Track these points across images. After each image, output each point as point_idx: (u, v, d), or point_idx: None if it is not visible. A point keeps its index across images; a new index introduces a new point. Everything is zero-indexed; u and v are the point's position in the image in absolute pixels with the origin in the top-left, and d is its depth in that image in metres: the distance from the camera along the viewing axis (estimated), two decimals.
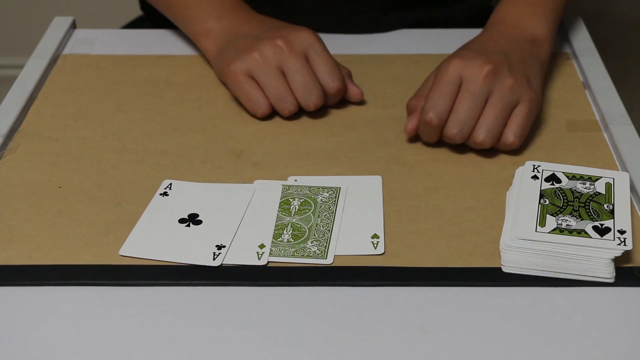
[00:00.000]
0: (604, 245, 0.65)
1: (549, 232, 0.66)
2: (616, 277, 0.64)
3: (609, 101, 0.83)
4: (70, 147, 0.79)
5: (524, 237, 0.65)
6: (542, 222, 0.67)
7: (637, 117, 0.87)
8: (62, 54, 0.94)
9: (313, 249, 0.67)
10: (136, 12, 1.15)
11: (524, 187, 0.71)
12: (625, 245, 0.65)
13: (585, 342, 0.60)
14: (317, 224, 0.70)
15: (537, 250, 0.65)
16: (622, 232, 0.66)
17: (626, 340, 0.61)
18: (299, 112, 0.83)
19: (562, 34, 0.96)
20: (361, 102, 0.85)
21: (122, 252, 0.67)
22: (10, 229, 0.70)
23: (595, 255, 0.64)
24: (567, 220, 0.67)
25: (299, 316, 0.62)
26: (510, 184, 0.73)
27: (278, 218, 0.70)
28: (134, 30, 1.03)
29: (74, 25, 0.99)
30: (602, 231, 0.66)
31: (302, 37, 0.82)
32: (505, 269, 0.65)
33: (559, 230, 0.66)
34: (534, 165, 0.72)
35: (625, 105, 0.83)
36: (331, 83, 0.82)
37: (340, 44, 0.95)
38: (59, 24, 0.98)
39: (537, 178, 0.72)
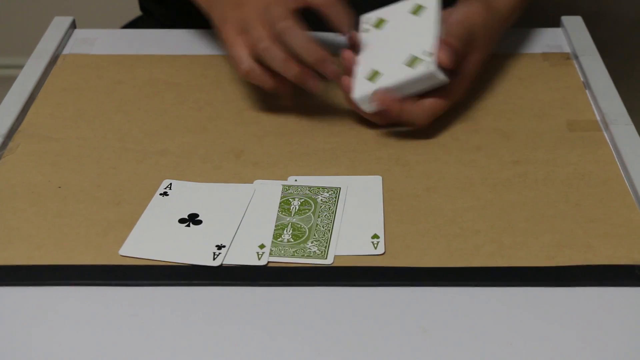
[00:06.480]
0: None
1: None
2: (616, 277, 0.64)
3: (609, 101, 0.83)
4: (70, 147, 0.79)
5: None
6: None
7: (637, 116, 0.86)
8: (62, 54, 0.94)
9: (313, 249, 0.67)
10: (136, 11, 1.15)
11: None
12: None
13: (585, 342, 0.60)
14: (317, 224, 0.70)
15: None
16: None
17: (626, 340, 0.61)
18: (299, 112, 0.83)
19: (562, 34, 0.96)
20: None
21: (121, 252, 0.67)
22: (10, 229, 0.70)
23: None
24: None
25: (299, 316, 0.62)
26: (511, 184, 0.73)
27: (278, 218, 0.70)
28: (134, 30, 1.03)
29: (73, 25, 0.99)
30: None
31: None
32: None
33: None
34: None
35: (626, 105, 0.83)
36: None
37: (337, 44, 0.94)
38: (59, 24, 0.98)
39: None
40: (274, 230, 0.69)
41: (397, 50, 0.78)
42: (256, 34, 0.77)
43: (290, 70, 0.77)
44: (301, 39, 0.76)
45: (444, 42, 0.77)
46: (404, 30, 0.80)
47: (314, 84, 0.78)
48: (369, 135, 0.81)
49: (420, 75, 0.76)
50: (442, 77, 0.76)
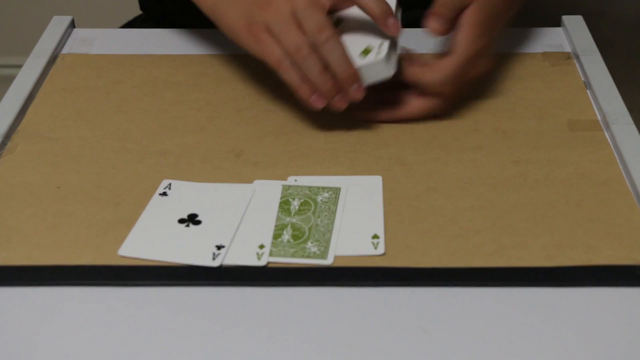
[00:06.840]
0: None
1: None
2: (616, 277, 0.64)
3: (610, 101, 0.83)
4: (69, 147, 0.79)
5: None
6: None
7: (638, 116, 0.86)
8: (61, 54, 0.94)
9: (313, 250, 0.67)
10: (135, 11, 1.15)
11: None
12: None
13: (585, 343, 0.60)
14: (317, 224, 0.69)
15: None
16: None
17: (626, 340, 0.60)
18: (299, 112, 0.83)
19: (563, 33, 0.96)
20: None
21: (121, 252, 0.67)
22: (9, 229, 0.69)
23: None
24: None
25: (299, 316, 0.62)
26: (511, 184, 0.73)
27: (278, 218, 0.70)
28: (133, 30, 1.03)
29: (72, 25, 0.98)
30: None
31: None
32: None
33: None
34: None
35: (627, 104, 0.83)
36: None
37: None
38: (58, 23, 0.97)
39: None
40: (274, 230, 0.69)
41: (353, 43, 0.79)
42: (292, 40, 0.76)
43: (325, 83, 0.76)
44: (338, 53, 0.76)
45: (432, 12, 0.78)
46: (360, 27, 0.80)
47: (340, 102, 0.78)
48: (369, 135, 0.80)
49: (367, 64, 0.77)
50: (387, 69, 0.77)
